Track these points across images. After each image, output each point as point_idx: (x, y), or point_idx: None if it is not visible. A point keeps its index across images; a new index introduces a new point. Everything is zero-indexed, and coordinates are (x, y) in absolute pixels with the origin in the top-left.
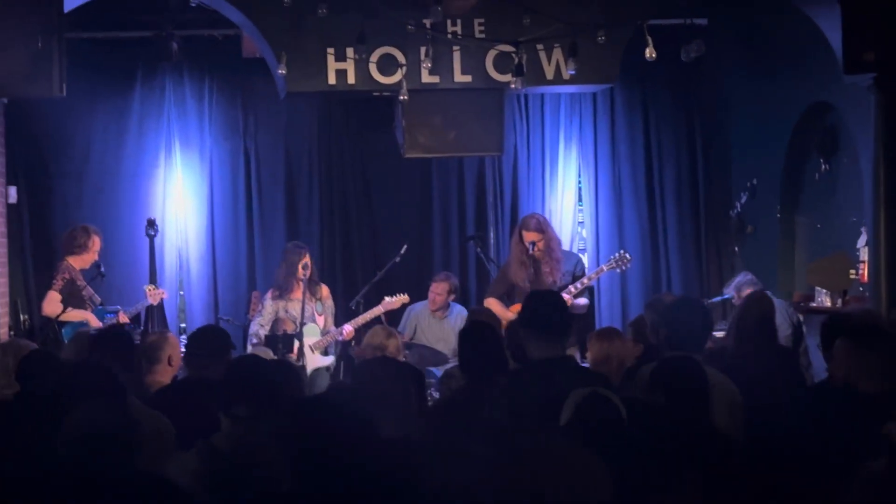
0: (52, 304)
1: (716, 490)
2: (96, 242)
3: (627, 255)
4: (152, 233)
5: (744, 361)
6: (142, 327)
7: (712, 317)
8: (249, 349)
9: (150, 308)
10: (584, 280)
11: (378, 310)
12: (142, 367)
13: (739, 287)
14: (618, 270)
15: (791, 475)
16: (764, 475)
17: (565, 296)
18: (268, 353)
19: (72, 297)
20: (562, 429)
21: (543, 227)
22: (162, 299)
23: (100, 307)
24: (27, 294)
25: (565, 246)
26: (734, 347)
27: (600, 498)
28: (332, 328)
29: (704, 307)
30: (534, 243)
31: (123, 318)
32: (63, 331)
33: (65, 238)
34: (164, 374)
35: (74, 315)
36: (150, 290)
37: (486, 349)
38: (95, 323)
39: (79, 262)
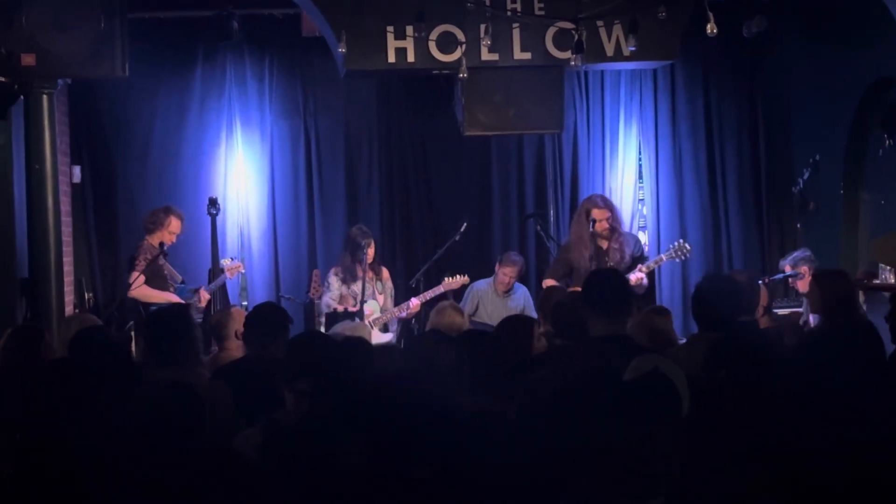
0: (138, 286)
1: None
2: (172, 222)
3: (687, 246)
4: (214, 211)
5: (827, 338)
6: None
7: (743, 295)
8: (322, 322)
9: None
10: (643, 268)
11: (438, 289)
12: (212, 345)
13: (796, 262)
14: (677, 260)
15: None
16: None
17: (637, 274)
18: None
19: (154, 277)
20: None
21: (610, 205)
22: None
23: (181, 285)
24: (91, 272)
25: (625, 225)
26: (817, 324)
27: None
28: (391, 307)
29: (734, 285)
30: (597, 221)
31: (205, 296)
32: (150, 312)
33: (145, 217)
34: (237, 349)
35: (158, 296)
36: (227, 262)
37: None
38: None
39: (155, 241)
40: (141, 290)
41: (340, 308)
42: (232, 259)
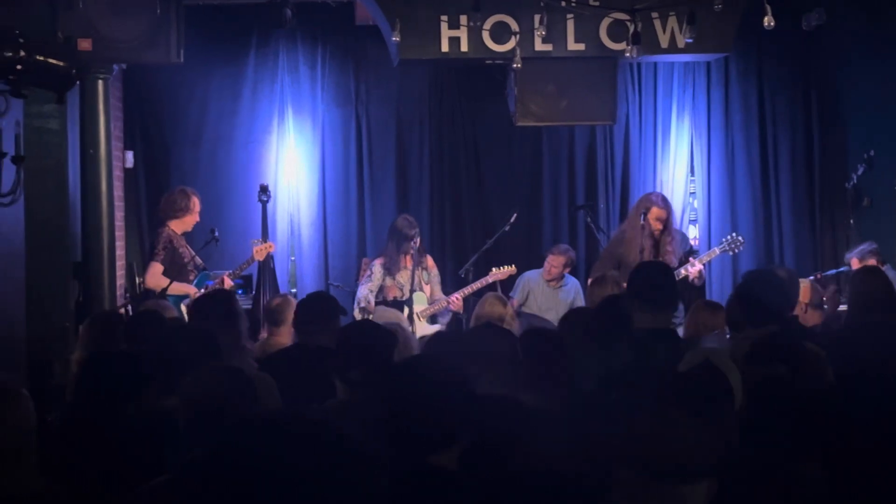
0: (155, 276)
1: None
2: (196, 203)
3: (740, 238)
4: (265, 198)
5: (859, 335)
6: (254, 291)
7: (788, 289)
8: (356, 313)
9: (262, 273)
10: (696, 262)
11: (485, 280)
12: (263, 328)
13: (863, 255)
14: (730, 253)
15: None
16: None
17: (698, 266)
18: (398, 315)
19: (174, 266)
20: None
21: (669, 207)
22: (271, 256)
23: (203, 272)
24: (143, 257)
25: (676, 222)
26: (849, 321)
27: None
28: (439, 296)
29: (779, 280)
30: (653, 220)
31: (228, 283)
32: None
33: (164, 202)
34: (288, 336)
35: (176, 289)
36: (255, 243)
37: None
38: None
39: (181, 227)
40: (158, 280)
41: (389, 297)
42: (262, 241)
